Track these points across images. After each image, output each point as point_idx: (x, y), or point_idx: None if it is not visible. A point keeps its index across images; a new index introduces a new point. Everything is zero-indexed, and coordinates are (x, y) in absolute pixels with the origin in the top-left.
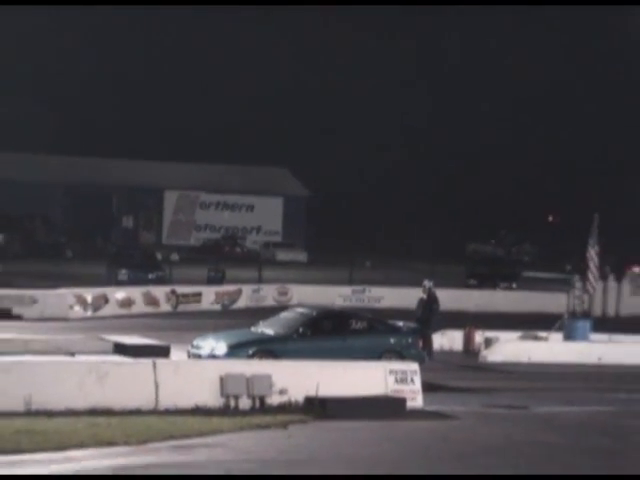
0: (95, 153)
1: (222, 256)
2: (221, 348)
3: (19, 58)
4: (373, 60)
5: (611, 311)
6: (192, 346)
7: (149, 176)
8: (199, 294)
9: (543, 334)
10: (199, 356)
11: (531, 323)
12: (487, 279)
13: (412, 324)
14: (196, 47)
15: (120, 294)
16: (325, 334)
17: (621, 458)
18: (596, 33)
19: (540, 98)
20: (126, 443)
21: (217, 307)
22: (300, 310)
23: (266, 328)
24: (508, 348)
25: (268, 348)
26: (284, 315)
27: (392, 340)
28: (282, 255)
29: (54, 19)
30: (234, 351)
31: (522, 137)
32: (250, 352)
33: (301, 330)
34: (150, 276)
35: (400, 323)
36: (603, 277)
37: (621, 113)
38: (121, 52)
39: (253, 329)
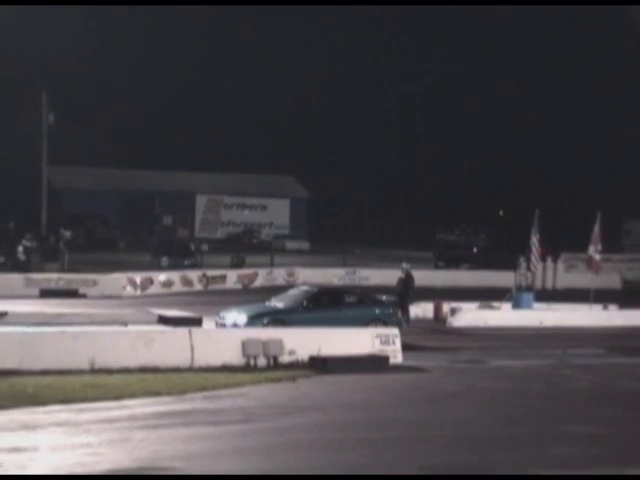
0: (141, 166)
1: (242, 246)
2: (242, 318)
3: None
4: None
5: (549, 285)
6: (219, 317)
7: (184, 184)
8: (224, 276)
9: (496, 304)
10: (224, 325)
11: (487, 295)
12: (452, 261)
13: (393, 298)
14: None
15: (162, 277)
16: (324, 306)
17: (553, 399)
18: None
19: (498, 100)
20: (168, 394)
21: (239, 286)
22: (304, 288)
23: (277, 302)
24: (469, 316)
25: (279, 318)
26: (292, 292)
27: (377, 311)
28: (289, 245)
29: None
30: (252, 321)
31: (481, 145)
32: (265, 321)
33: (305, 304)
34: (186, 262)
35: (383, 297)
36: (542, 258)
37: (567, 117)
38: (155, 79)
39: (267, 303)
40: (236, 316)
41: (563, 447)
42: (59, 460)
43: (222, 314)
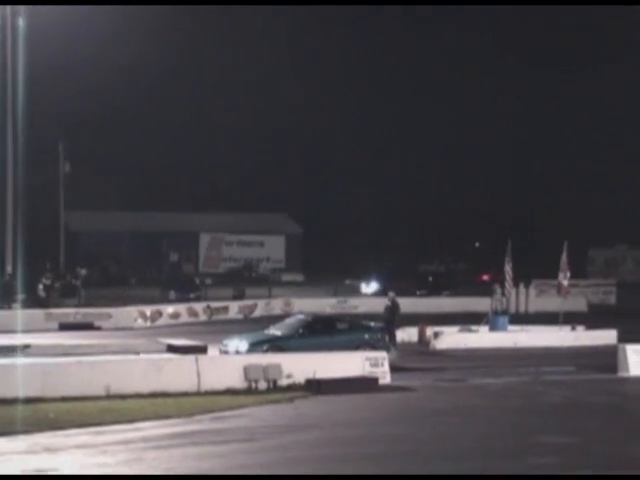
0: (150, 208)
1: (242, 280)
2: (243, 346)
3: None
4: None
5: (522, 309)
6: (222, 345)
7: (188, 224)
8: (227, 307)
9: (475, 327)
10: (227, 352)
11: (466, 320)
12: (434, 289)
13: (380, 324)
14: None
15: (170, 309)
16: (318, 333)
17: (529, 413)
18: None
19: (475, 130)
20: (178, 416)
21: (240, 316)
22: (299, 316)
23: (275, 330)
24: (450, 338)
25: (277, 344)
26: (288, 320)
27: (366, 336)
28: (285, 277)
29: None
30: (253, 347)
31: (460, 184)
32: (264, 348)
33: (300, 331)
34: (191, 295)
35: (372, 323)
36: (515, 285)
37: (536, 155)
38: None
39: (266, 331)
40: (238, 343)
41: (541, 457)
42: None
43: (225, 342)
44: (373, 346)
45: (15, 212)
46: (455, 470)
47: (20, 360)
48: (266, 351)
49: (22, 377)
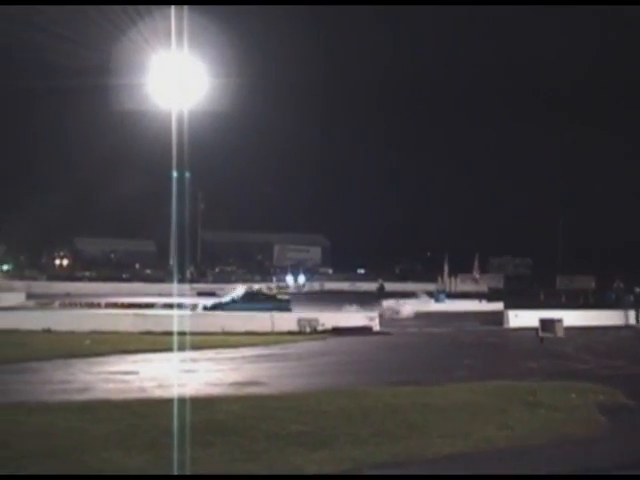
0: (247, 229)
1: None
2: (206, 305)
3: None
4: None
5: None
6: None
7: (267, 238)
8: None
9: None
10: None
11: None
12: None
13: (288, 297)
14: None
15: (258, 286)
16: (247, 301)
17: (453, 347)
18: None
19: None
20: (261, 345)
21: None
22: (240, 290)
23: (225, 298)
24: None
25: (221, 307)
26: (234, 292)
27: (277, 304)
28: (322, 270)
29: None
30: (213, 307)
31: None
32: (215, 307)
33: (236, 299)
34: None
35: (285, 297)
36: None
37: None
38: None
39: (222, 299)
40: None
41: (457, 371)
42: (208, 376)
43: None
44: (280, 309)
45: (175, 230)
46: (404, 380)
47: (184, 312)
48: (214, 309)
49: (184, 320)
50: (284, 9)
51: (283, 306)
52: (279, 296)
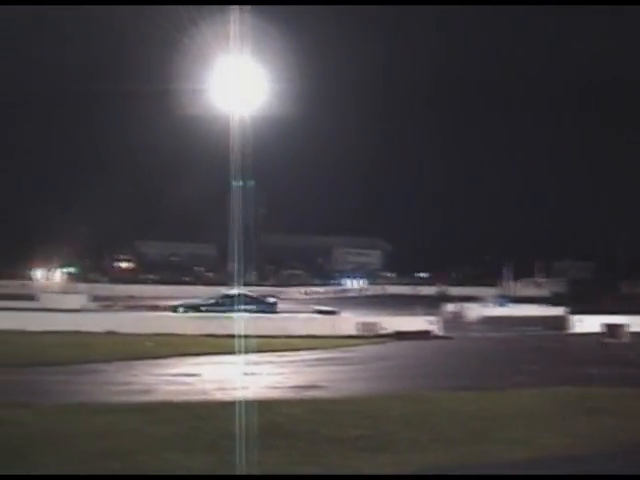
0: (308, 232)
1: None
2: (182, 309)
3: None
4: None
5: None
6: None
7: (327, 242)
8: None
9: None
10: (178, 311)
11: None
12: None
13: (273, 299)
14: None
15: (318, 289)
16: (226, 305)
17: (514, 352)
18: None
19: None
20: (322, 348)
21: (355, 294)
22: (224, 293)
23: (202, 301)
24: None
25: (197, 308)
26: (214, 295)
27: (260, 306)
28: (381, 274)
29: None
30: (186, 309)
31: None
32: (190, 310)
33: (221, 301)
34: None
35: (271, 299)
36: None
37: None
38: None
39: (199, 300)
40: (181, 307)
41: (521, 376)
42: (268, 379)
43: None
44: (265, 312)
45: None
46: (462, 385)
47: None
48: (187, 311)
49: (246, 323)
50: (343, 9)
51: (268, 309)
52: (266, 299)
